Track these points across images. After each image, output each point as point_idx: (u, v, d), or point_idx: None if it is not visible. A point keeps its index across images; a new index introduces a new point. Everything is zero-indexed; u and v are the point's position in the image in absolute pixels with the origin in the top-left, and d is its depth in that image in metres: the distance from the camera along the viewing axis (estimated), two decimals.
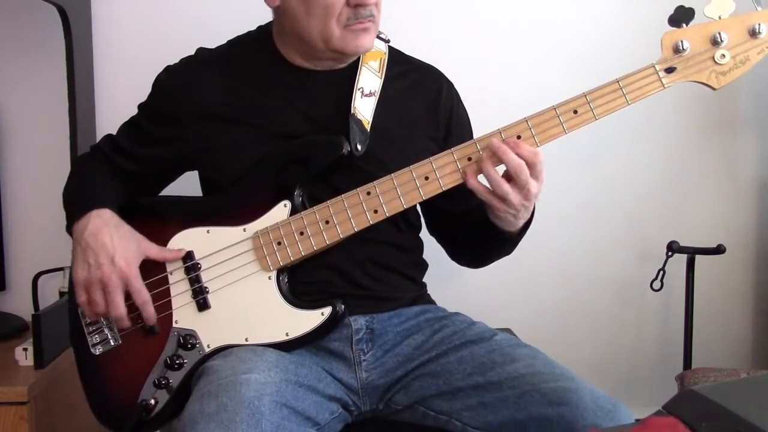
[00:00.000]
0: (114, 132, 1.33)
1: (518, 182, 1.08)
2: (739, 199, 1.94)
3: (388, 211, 1.13)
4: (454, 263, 1.40)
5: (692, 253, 1.79)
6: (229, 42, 1.31)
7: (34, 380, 1.42)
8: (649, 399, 1.84)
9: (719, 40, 1.07)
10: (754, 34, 1.07)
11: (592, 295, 1.92)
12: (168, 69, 1.28)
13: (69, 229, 1.22)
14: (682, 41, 1.08)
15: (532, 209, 1.15)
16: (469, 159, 1.12)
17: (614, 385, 1.92)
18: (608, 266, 1.92)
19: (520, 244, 1.28)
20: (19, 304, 1.75)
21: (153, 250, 1.17)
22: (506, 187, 1.08)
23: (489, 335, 1.18)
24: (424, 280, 1.36)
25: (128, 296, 1.16)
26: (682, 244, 1.79)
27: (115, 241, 1.14)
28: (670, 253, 1.79)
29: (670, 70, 1.10)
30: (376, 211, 1.13)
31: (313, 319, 1.13)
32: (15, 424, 1.38)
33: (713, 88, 1.11)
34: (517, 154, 1.07)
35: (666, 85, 1.10)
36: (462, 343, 1.17)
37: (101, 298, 1.14)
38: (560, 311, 1.92)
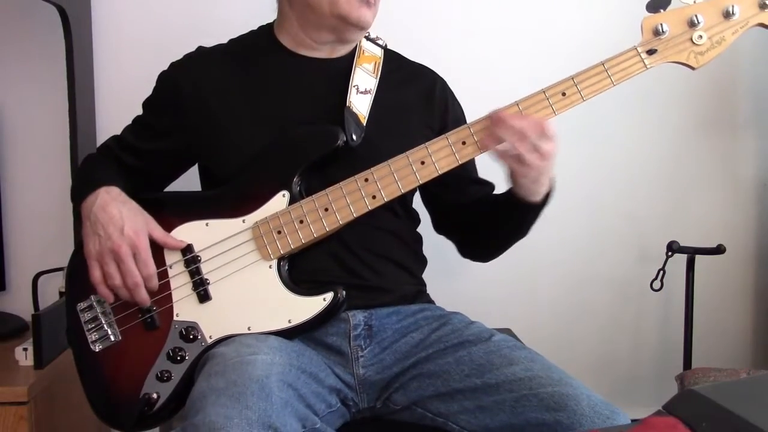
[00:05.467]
0: (117, 132, 1.35)
1: (526, 146, 1.09)
2: (739, 199, 1.94)
3: (386, 195, 1.15)
4: (453, 261, 1.41)
5: (692, 253, 1.79)
6: (230, 39, 1.35)
7: (34, 380, 1.42)
8: (649, 399, 1.85)
9: (696, 22, 1.13)
10: (727, 15, 1.13)
11: (591, 295, 1.92)
12: (172, 64, 1.31)
13: (77, 211, 1.23)
14: (661, 24, 1.13)
15: (551, 180, 1.17)
16: (464, 143, 1.14)
17: (614, 385, 1.92)
18: (608, 266, 1.92)
19: (519, 243, 1.30)
20: (19, 304, 1.75)
21: (157, 232, 1.18)
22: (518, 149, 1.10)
23: (487, 335, 1.18)
24: (423, 279, 1.36)
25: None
26: (682, 244, 1.79)
27: (123, 213, 1.16)
28: (670, 253, 1.80)
29: (651, 52, 1.14)
30: (374, 197, 1.15)
31: (315, 305, 1.14)
32: (15, 424, 1.38)
33: (692, 68, 1.16)
34: (524, 126, 1.10)
35: (648, 66, 1.14)
36: (460, 343, 1.18)
37: (115, 269, 1.15)
38: (560, 311, 1.92)
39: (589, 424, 0.99)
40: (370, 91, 1.26)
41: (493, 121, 1.12)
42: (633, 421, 0.93)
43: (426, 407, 1.16)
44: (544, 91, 1.14)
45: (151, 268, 1.16)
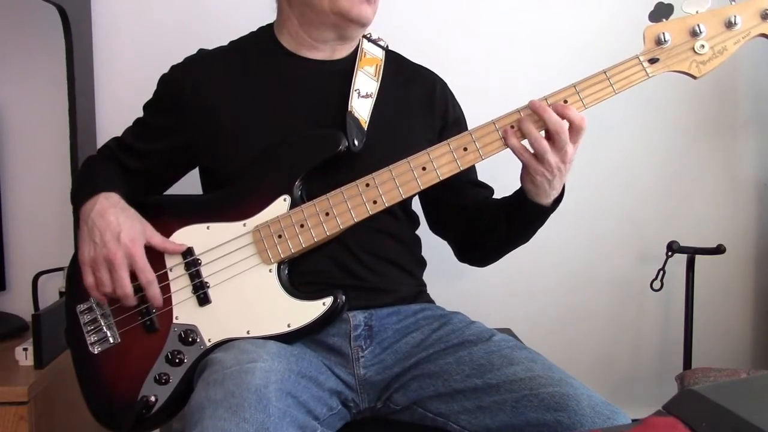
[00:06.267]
0: (117, 133, 1.35)
1: (557, 143, 1.10)
2: (739, 199, 1.94)
3: (387, 201, 1.15)
4: (453, 262, 1.40)
5: (692, 253, 1.79)
6: (231, 42, 1.35)
7: (34, 380, 1.42)
8: (649, 399, 1.85)
9: (698, 31, 1.13)
10: (730, 25, 1.13)
11: (592, 295, 1.93)
12: (172, 66, 1.31)
13: (76, 214, 1.23)
14: (663, 33, 1.14)
15: (563, 184, 1.17)
16: (465, 149, 1.14)
17: (614, 385, 1.93)
18: (608, 266, 1.92)
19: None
20: (19, 304, 1.75)
21: (156, 238, 1.18)
22: (546, 144, 1.10)
23: (487, 335, 1.18)
24: (424, 279, 1.36)
25: (133, 277, 1.16)
26: (682, 244, 1.79)
27: (121, 221, 1.16)
28: (670, 253, 1.80)
29: (653, 61, 1.15)
30: (375, 202, 1.15)
31: (314, 309, 1.14)
32: (15, 424, 1.38)
33: (694, 77, 1.16)
34: (564, 117, 1.10)
35: (650, 75, 1.15)
36: (460, 343, 1.18)
37: (107, 276, 1.15)
38: (560, 311, 1.92)
39: (590, 424, 0.99)
40: (371, 95, 1.26)
41: (536, 108, 1.11)
42: (633, 421, 0.93)
43: (426, 407, 1.16)
44: (546, 99, 1.13)
45: (150, 274, 1.15)
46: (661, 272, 1.80)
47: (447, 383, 1.14)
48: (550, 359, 1.14)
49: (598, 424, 0.99)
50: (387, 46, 1.36)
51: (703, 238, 1.82)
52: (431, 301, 1.34)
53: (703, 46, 1.14)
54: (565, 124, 1.10)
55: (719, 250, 1.76)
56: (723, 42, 1.14)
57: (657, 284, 1.81)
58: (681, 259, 1.80)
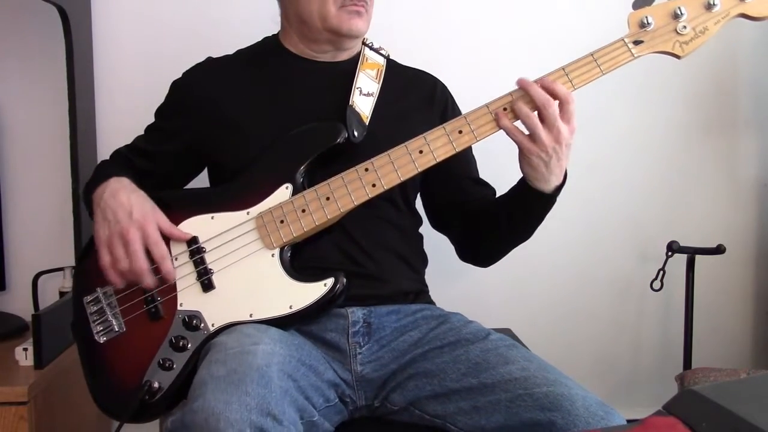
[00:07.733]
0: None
1: (547, 119, 1.12)
2: (739, 199, 1.94)
3: (385, 184, 1.17)
4: (454, 262, 1.41)
5: (692, 253, 1.79)
6: (237, 50, 1.39)
7: (34, 380, 1.42)
8: (649, 399, 1.85)
9: (679, 13, 1.18)
10: (709, 7, 1.18)
11: (592, 295, 1.93)
12: (184, 72, 1.35)
13: (90, 204, 1.25)
14: (646, 17, 1.18)
15: (564, 170, 1.18)
16: (460, 132, 1.17)
17: (614, 386, 1.93)
18: (608, 266, 1.92)
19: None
20: (19, 304, 1.75)
21: (164, 221, 1.20)
22: (536, 120, 1.12)
23: (484, 334, 1.19)
24: (425, 280, 1.36)
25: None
26: (682, 244, 1.79)
27: (132, 200, 1.19)
28: (670, 253, 1.80)
29: (637, 42, 1.18)
30: (374, 185, 1.17)
31: (316, 290, 1.15)
32: (15, 424, 1.38)
33: (678, 57, 1.19)
34: (551, 92, 1.13)
35: (635, 55, 1.18)
36: (457, 341, 1.18)
37: (123, 253, 1.16)
38: (560, 311, 1.92)
39: (584, 424, 0.99)
40: (372, 94, 1.30)
41: (523, 84, 1.14)
42: (633, 421, 0.93)
43: (423, 409, 1.16)
44: (537, 82, 1.15)
45: (164, 248, 1.17)
46: (661, 272, 1.80)
47: (443, 382, 1.14)
48: (550, 359, 1.14)
49: (592, 424, 0.99)
50: (388, 56, 1.39)
51: (703, 238, 1.82)
52: (432, 302, 1.35)
53: (684, 27, 1.17)
54: (554, 100, 1.12)
55: (719, 250, 1.76)
56: (704, 23, 1.17)
57: (657, 284, 1.81)
58: (681, 259, 1.80)
